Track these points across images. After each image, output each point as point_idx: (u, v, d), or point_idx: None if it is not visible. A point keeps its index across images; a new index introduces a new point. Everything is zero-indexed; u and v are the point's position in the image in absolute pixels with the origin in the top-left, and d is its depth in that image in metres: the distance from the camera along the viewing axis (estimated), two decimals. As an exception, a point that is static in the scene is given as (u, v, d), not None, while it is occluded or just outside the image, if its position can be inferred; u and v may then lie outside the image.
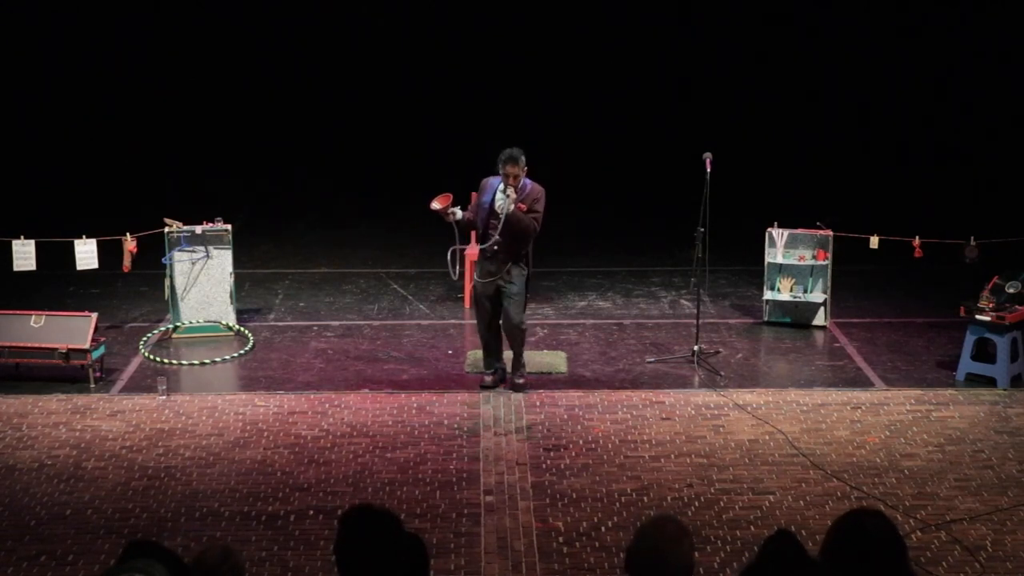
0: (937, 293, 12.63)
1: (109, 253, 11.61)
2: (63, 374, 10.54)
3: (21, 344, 10.54)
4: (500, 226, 9.94)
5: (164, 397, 10.17)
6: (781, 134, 17.88)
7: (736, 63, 18.92)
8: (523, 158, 9.96)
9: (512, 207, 9.91)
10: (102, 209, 14.25)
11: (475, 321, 10.58)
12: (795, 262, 11.90)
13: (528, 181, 10.04)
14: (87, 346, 10.41)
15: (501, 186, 10.02)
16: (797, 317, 11.98)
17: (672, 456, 9.15)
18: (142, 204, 14.16)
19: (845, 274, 12.52)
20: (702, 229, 10.71)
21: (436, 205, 10.08)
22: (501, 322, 10.29)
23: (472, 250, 11.56)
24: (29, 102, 18.17)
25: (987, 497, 8.52)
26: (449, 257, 10.36)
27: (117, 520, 8.20)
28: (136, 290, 12.89)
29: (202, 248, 11.59)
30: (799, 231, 11.94)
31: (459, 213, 10.15)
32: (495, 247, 10.04)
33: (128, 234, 11.54)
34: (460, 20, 19.14)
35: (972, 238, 11.65)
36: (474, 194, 10.33)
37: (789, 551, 4.34)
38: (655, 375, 10.77)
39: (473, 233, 10.73)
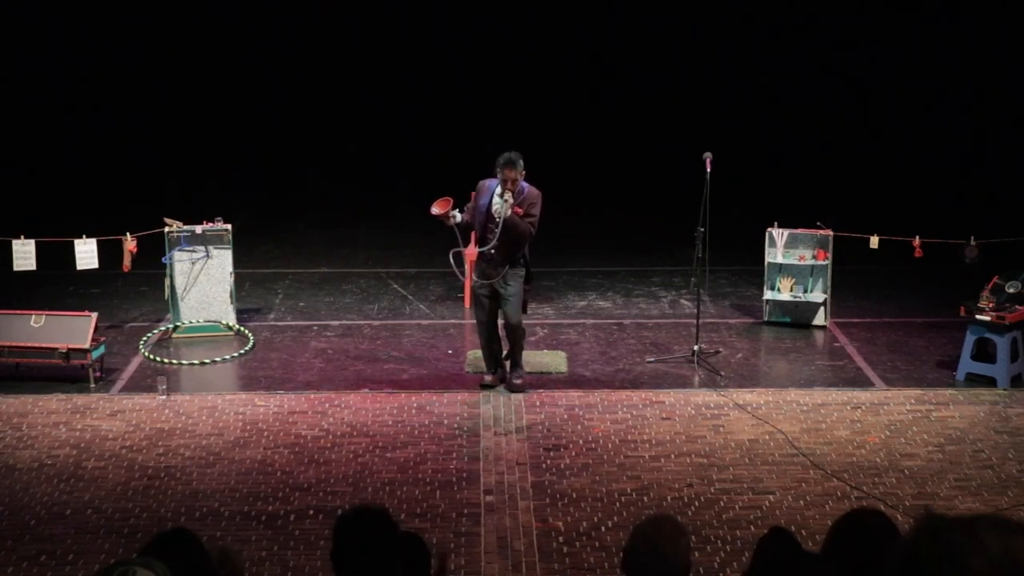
0: (937, 293, 12.63)
1: (109, 253, 11.61)
2: (63, 374, 10.53)
3: (21, 344, 10.53)
4: (498, 231, 9.93)
5: (164, 397, 10.17)
6: (781, 134, 17.87)
7: (736, 63, 18.92)
8: (520, 162, 9.96)
9: (509, 212, 9.90)
10: (102, 209, 14.25)
11: (475, 321, 10.58)
12: (795, 262, 11.90)
13: (525, 184, 10.04)
14: (87, 346, 10.41)
15: (498, 189, 10.02)
16: (797, 317, 11.98)
17: (672, 456, 9.15)
18: (142, 204, 14.16)
19: (845, 274, 12.52)
20: (702, 229, 10.70)
21: (436, 210, 10.08)
22: (500, 322, 10.31)
23: (471, 250, 11.56)
24: (29, 102, 18.17)
25: (987, 497, 8.52)
26: (452, 260, 10.35)
27: (117, 520, 8.20)
28: (136, 290, 12.89)
29: (202, 248, 11.59)
30: (799, 231, 11.93)
31: (459, 216, 10.15)
32: (492, 251, 10.04)
33: (128, 234, 11.54)
34: (461, 20, 19.14)
35: (972, 238, 11.64)
36: (473, 194, 10.32)
37: (784, 548, 4.35)
38: (655, 375, 10.77)
39: (473, 234, 10.74)
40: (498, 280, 10.08)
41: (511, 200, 9.93)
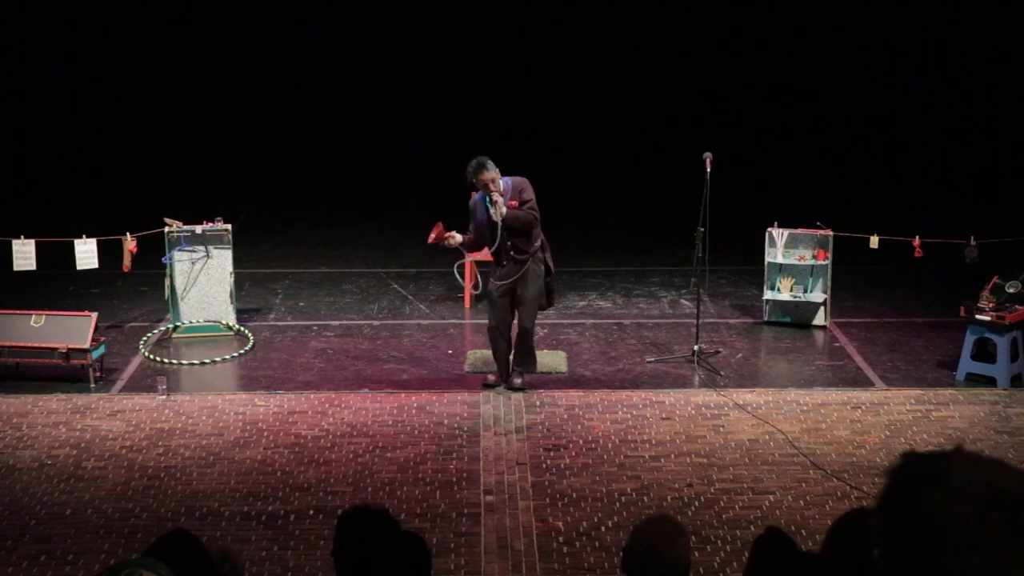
0: (937, 293, 12.63)
1: (109, 253, 11.61)
2: (63, 374, 10.53)
3: (21, 344, 10.53)
4: (499, 231, 9.90)
5: (164, 397, 10.17)
6: (781, 134, 17.88)
7: (736, 63, 18.92)
8: (489, 162, 9.88)
9: (504, 210, 9.87)
10: (102, 209, 14.25)
11: (482, 320, 10.52)
12: (795, 262, 11.90)
13: (507, 179, 9.99)
14: (87, 346, 10.41)
15: (487, 198, 9.98)
16: (797, 317, 11.98)
17: (672, 456, 9.15)
18: (142, 204, 14.16)
19: (845, 274, 12.52)
20: (702, 229, 10.70)
21: (432, 237, 10.04)
22: (516, 323, 10.28)
23: (472, 254, 11.55)
24: (30, 102, 18.17)
25: (987, 497, 8.50)
26: (456, 273, 10.29)
27: (117, 520, 8.20)
28: (136, 290, 12.89)
29: (202, 248, 11.59)
30: (799, 231, 11.93)
31: (458, 237, 10.09)
32: (511, 252, 9.98)
33: (128, 234, 11.54)
34: (460, 20, 19.14)
35: (972, 238, 11.64)
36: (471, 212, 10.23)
37: (780, 548, 4.35)
38: (655, 375, 10.77)
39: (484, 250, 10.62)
40: (518, 279, 10.02)
41: (501, 199, 9.89)
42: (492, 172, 9.87)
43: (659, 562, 4.12)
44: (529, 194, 9.99)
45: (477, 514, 8.29)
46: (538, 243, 10.10)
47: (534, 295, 10.12)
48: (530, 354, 10.36)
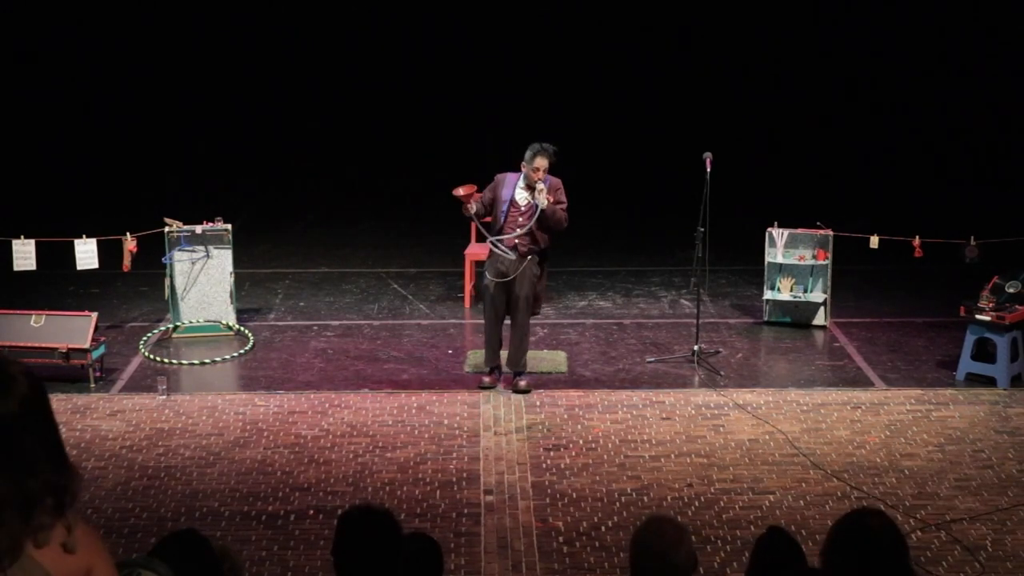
0: (937, 293, 12.62)
1: (109, 253, 11.61)
2: (63, 374, 10.52)
3: (21, 344, 10.52)
4: (535, 218, 9.90)
5: (164, 397, 10.17)
6: (781, 134, 17.87)
7: (736, 63, 18.92)
8: (551, 153, 9.93)
9: (546, 202, 9.88)
10: (102, 209, 14.25)
11: (482, 320, 10.52)
12: (795, 262, 11.90)
13: (547, 176, 10.01)
14: (87, 346, 10.41)
15: (520, 182, 10.00)
16: (797, 317, 11.98)
17: (672, 456, 9.15)
18: (142, 204, 14.16)
19: (845, 274, 12.52)
20: (702, 229, 10.70)
21: (461, 192, 10.01)
22: (508, 322, 10.28)
23: (471, 249, 11.55)
24: (29, 102, 18.16)
25: (987, 497, 8.52)
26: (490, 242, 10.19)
27: (117, 520, 8.20)
28: (136, 290, 12.89)
29: (202, 248, 11.59)
30: (799, 231, 11.93)
31: (474, 207, 10.11)
32: (516, 241, 9.97)
33: (128, 234, 11.53)
34: (460, 19, 19.14)
35: (972, 238, 11.64)
36: (489, 186, 10.22)
37: (782, 546, 4.35)
38: (655, 375, 10.77)
39: (474, 226, 10.65)
40: (515, 276, 10.02)
41: (545, 189, 9.90)
42: (547, 162, 9.91)
43: (672, 567, 4.12)
44: (563, 196, 10.03)
45: (477, 514, 8.29)
46: (546, 246, 10.13)
47: (528, 295, 10.14)
48: (524, 355, 10.35)
